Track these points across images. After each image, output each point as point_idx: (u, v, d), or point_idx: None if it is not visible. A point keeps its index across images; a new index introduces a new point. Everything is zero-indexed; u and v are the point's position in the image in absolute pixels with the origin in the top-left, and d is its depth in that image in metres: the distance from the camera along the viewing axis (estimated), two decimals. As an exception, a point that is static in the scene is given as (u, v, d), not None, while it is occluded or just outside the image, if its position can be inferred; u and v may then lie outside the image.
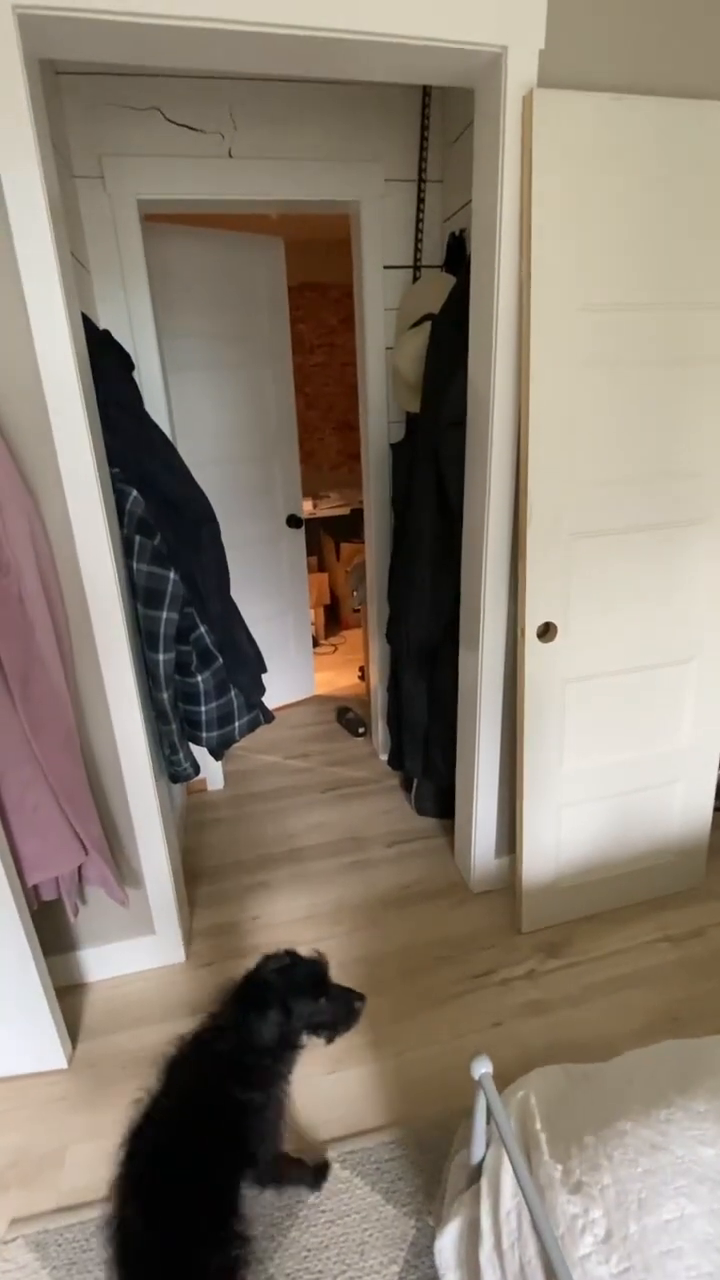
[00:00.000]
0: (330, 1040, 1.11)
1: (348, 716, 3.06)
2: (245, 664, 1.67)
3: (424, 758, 2.26)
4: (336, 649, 4.02)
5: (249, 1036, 1.03)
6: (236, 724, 1.71)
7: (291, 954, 1.12)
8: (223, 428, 2.67)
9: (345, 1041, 1.56)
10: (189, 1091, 1.03)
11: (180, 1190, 0.93)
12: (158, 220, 2.31)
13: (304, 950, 1.14)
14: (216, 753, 1.76)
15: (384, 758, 2.74)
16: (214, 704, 1.67)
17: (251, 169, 1.87)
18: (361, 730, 2.98)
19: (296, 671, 3.26)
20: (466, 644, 1.83)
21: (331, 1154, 1.36)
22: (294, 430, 2.87)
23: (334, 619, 4.28)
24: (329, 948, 1.86)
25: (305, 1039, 1.11)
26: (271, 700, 3.22)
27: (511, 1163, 0.78)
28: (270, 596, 3.02)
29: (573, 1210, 0.78)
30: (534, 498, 1.49)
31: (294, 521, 2.96)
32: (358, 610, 4.04)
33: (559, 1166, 0.83)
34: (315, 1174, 1.32)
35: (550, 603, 1.59)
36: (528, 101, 1.26)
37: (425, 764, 2.27)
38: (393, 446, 2.08)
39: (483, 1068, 0.87)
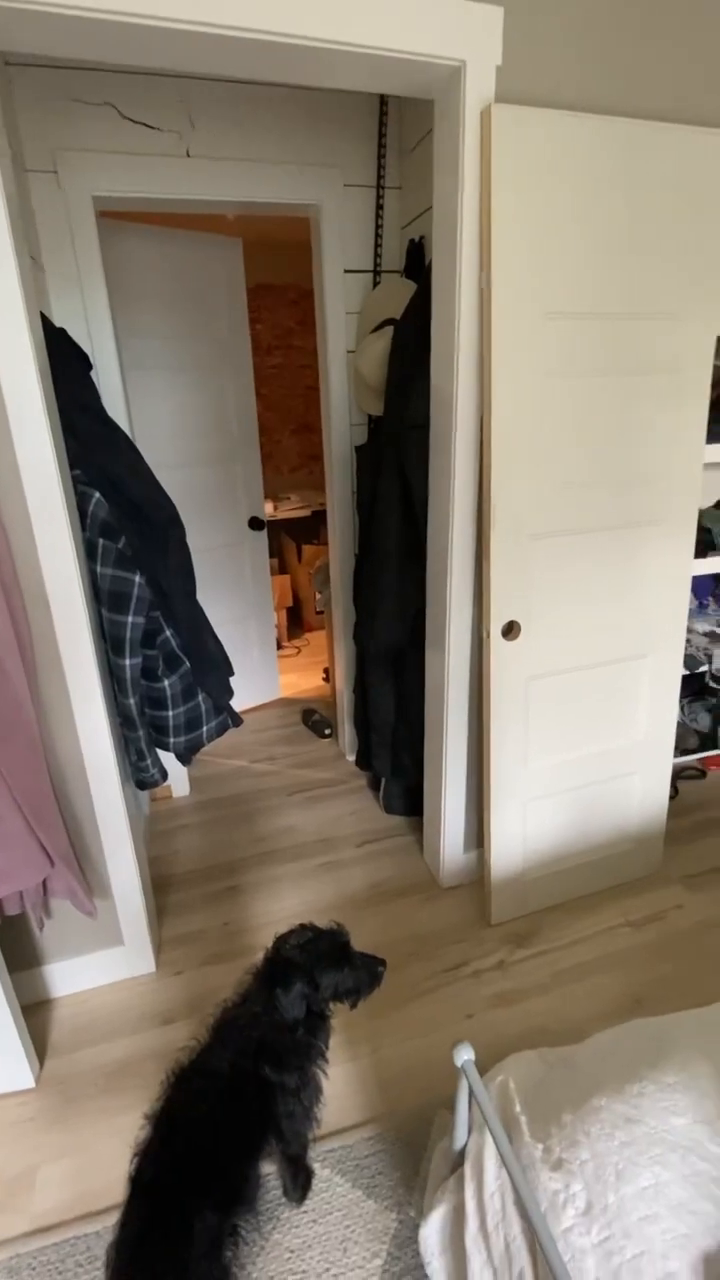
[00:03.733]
0: (354, 1005, 1.15)
1: (314, 718, 3.06)
2: (212, 667, 1.66)
3: (392, 757, 2.29)
4: (300, 651, 4.02)
5: (277, 1015, 1.06)
6: (204, 728, 1.70)
7: (311, 927, 1.16)
8: (183, 429, 2.63)
9: (336, 1037, 1.56)
10: (220, 1079, 1.04)
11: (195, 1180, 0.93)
12: (114, 218, 2.27)
13: (321, 923, 1.18)
14: (184, 758, 1.74)
15: (351, 758, 2.76)
16: (181, 708, 1.65)
17: (209, 169, 1.87)
18: (328, 732, 2.99)
19: (260, 674, 3.25)
20: (433, 644, 1.86)
21: (312, 1154, 1.36)
22: (254, 432, 2.86)
23: (297, 621, 4.28)
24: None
25: (332, 1008, 1.15)
26: (236, 704, 3.18)
27: (496, 1143, 0.81)
28: (233, 599, 3.00)
29: (554, 1186, 0.81)
30: (497, 500, 1.53)
31: (256, 524, 2.95)
32: (321, 612, 4.04)
33: (540, 1146, 0.86)
34: (302, 1184, 1.32)
35: (513, 602, 1.63)
36: (486, 116, 1.30)
37: (393, 763, 2.30)
38: (357, 449, 2.10)
39: (465, 1054, 0.89)
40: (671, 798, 2.41)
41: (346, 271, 2.10)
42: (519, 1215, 0.81)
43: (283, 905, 2.02)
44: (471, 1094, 0.90)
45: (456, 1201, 0.90)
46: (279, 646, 3.99)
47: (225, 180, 1.89)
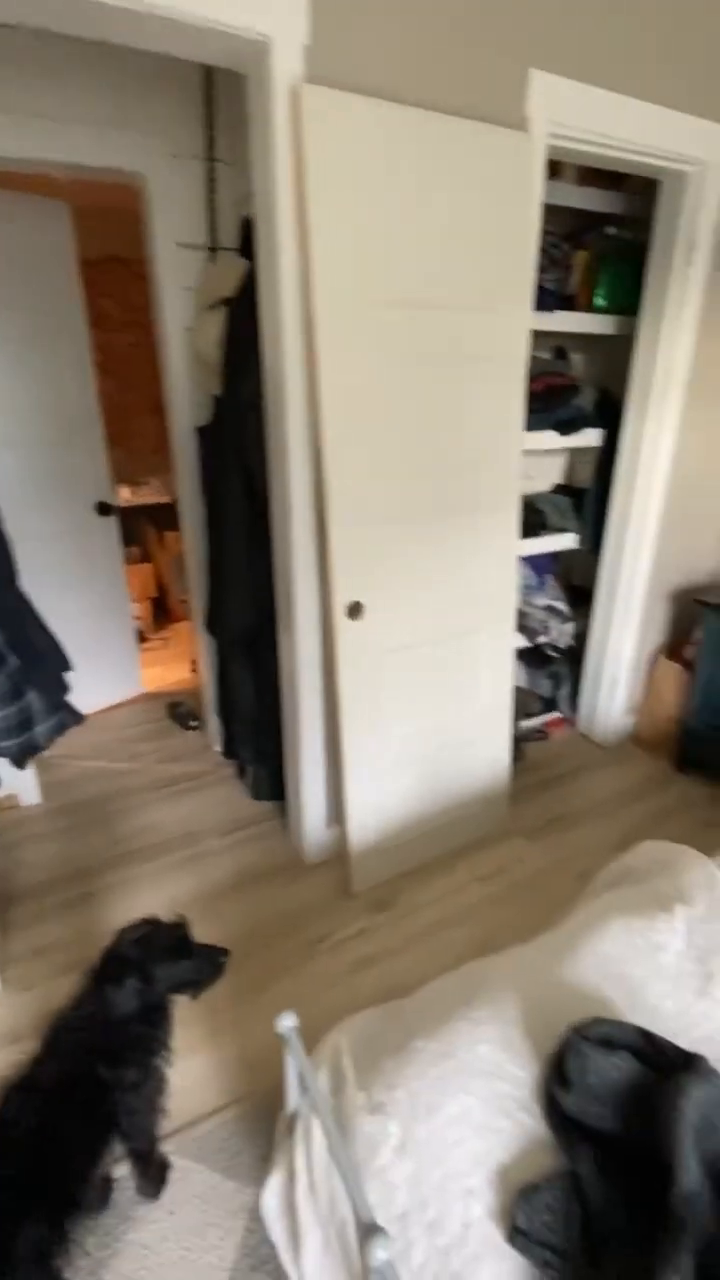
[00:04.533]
0: (195, 996, 1.15)
1: (179, 710, 2.98)
2: (42, 662, 1.56)
3: (256, 743, 2.28)
4: (167, 642, 3.87)
5: (110, 1010, 1.03)
6: (38, 729, 1.59)
7: (151, 921, 1.14)
8: (11, 407, 2.42)
9: (181, 1037, 1.54)
10: (47, 1087, 0.99)
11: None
12: None
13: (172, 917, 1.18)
14: (19, 761, 1.62)
15: (218, 749, 2.71)
16: (10, 709, 1.53)
17: (11, 124, 1.71)
18: (194, 723, 2.92)
19: (120, 669, 3.10)
20: (283, 627, 1.87)
21: (169, 1147, 1.35)
22: (96, 411, 2.69)
23: (163, 612, 4.11)
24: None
25: (172, 1000, 1.13)
26: (94, 701, 3.02)
27: (310, 1096, 0.84)
28: (85, 590, 2.82)
29: (371, 1129, 0.86)
30: (332, 483, 1.56)
31: (104, 509, 2.79)
32: (185, 601, 3.91)
33: (362, 1093, 0.91)
34: (155, 1179, 1.30)
35: (356, 583, 1.68)
36: (296, 96, 1.30)
37: (257, 749, 2.29)
38: (198, 430, 2.04)
39: (287, 1022, 0.92)
40: (517, 759, 2.62)
41: (180, 245, 2.02)
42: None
43: (142, 905, 1.96)
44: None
45: (290, 1164, 0.93)
46: (143, 639, 3.83)
47: (33, 138, 1.74)
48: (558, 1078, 0.83)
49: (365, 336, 1.49)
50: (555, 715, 2.89)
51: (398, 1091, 0.89)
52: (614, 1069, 0.79)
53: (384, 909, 1.95)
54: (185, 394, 2.15)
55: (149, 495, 4.15)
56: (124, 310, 4.42)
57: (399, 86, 1.43)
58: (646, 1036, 0.85)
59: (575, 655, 2.86)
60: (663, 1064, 0.81)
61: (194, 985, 1.14)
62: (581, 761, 2.66)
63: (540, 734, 2.80)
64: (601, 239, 2.35)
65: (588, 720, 2.79)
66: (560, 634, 2.73)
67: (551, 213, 2.35)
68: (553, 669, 3.00)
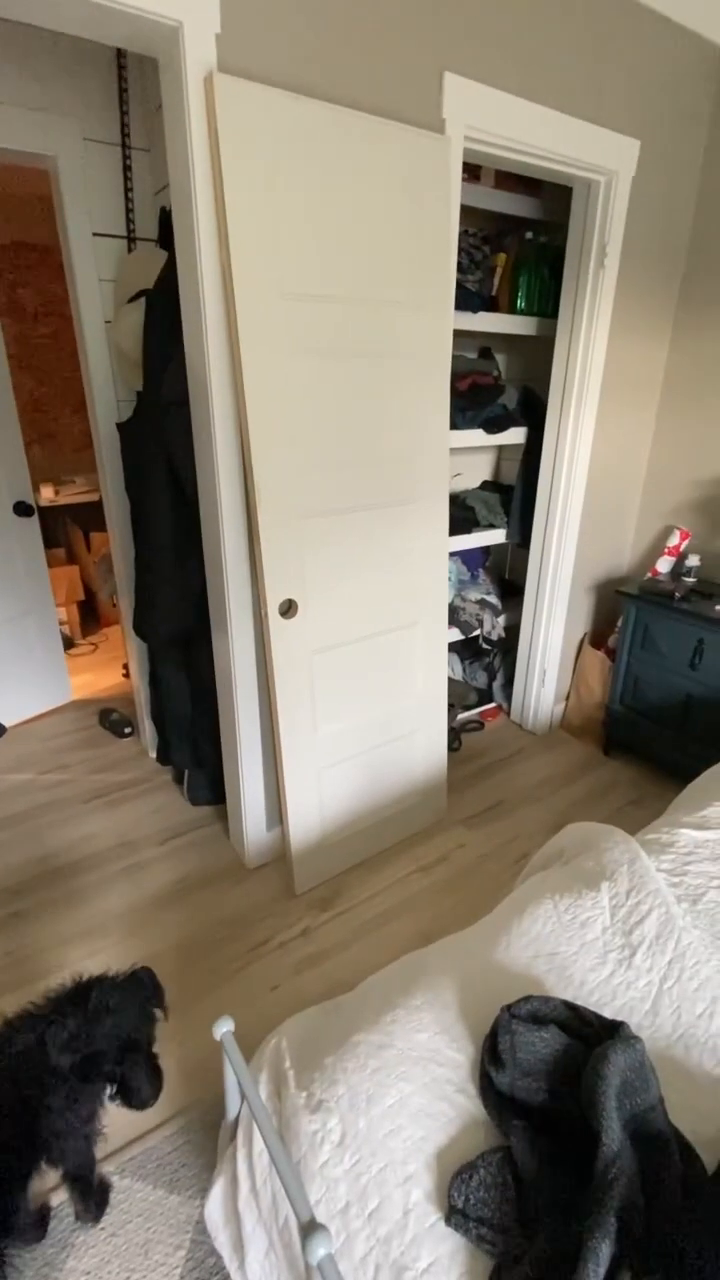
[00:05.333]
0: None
1: (112, 718, 2.88)
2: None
3: (192, 747, 2.23)
4: (97, 648, 3.73)
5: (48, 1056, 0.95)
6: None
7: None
8: None
9: None
10: None
11: None
12: None
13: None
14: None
15: (153, 755, 2.64)
16: None
17: None
18: (128, 730, 2.83)
19: (46, 677, 2.96)
20: (216, 627, 1.84)
21: (110, 1167, 1.31)
22: (11, 405, 2.56)
23: (91, 615, 3.96)
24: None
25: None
26: (19, 712, 2.88)
27: (247, 1099, 0.83)
28: (4, 595, 2.69)
29: (313, 1128, 0.86)
30: (260, 480, 1.54)
31: (23, 509, 2.65)
32: (116, 604, 3.78)
33: (303, 1093, 0.91)
34: (95, 1202, 1.25)
35: (289, 580, 1.67)
36: (209, 84, 1.27)
37: (194, 753, 2.24)
38: (119, 426, 1.97)
39: (224, 1027, 0.91)
40: (455, 750, 2.68)
41: (96, 235, 1.94)
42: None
43: (77, 921, 1.89)
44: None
45: (232, 1170, 0.92)
46: (71, 644, 3.68)
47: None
48: (491, 1057, 0.85)
49: (288, 330, 1.48)
50: (491, 705, 2.96)
51: (338, 1087, 0.89)
52: (542, 1043, 0.82)
53: (328, 907, 1.95)
54: (107, 389, 2.08)
55: (74, 494, 3.98)
56: (42, 301, 4.22)
57: (315, 82, 1.42)
58: (573, 1009, 0.89)
59: (508, 647, 2.95)
60: (588, 1034, 0.85)
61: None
62: (516, 749, 2.75)
63: (477, 724, 2.87)
64: (521, 243, 2.42)
65: (521, 709, 2.88)
66: (493, 627, 2.81)
67: (471, 215, 2.42)
68: (487, 661, 3.08)
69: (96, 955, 1.78)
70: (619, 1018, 0.95)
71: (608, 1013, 0.96)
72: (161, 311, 1.66)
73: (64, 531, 4.12)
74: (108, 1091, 1.05)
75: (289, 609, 1.69)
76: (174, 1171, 1.31)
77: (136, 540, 1.99)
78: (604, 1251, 0.62)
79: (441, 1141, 0.83)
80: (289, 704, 1.77)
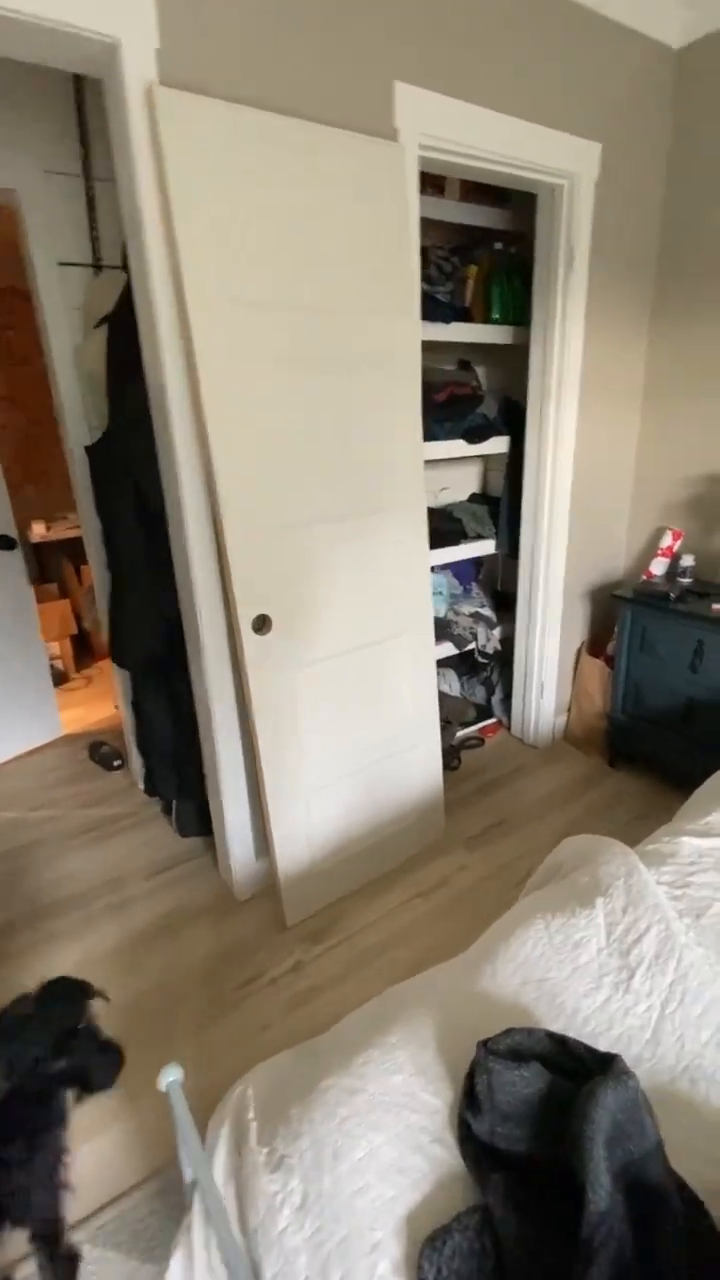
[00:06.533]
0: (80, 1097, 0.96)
1: (102, 751, 2.81)
2: None
3: (177, 776, 2.16)
4: (91, 681, 3.69)
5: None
6: None
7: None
8: None
9: (95, 1108, 1.39)
10: None
11: None
12: None
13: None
14: None
15: (143, 787, 2.56)
16: None
17: None
18: (118, 763, 2.75)
19: (36, 713, 2.91)
20: (191, 648, 1.78)
21: (81, 1236, 1.20)
22: (-9, 442, 2.56)
23: (85, 650, 3.92)
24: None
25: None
26: (7, 750, 2.82)
27: (190, 1164, 0.74)
28: (-10, 631, 2.65)
29: (272, 1189, 0.76)
30: (224, 493, 1.50)
31: (6, 543, 2.64)
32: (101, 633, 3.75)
33: (264, 1150, 0.81)
34: (64, 1273, 1.14)
35: (261, 596, 1.61)
36: (150, 98, 1.27)
37: (180, 783, 2.17)
38: (88, 449, 1.95)
39: (170, 1076, 0.82)
40: (454, 768, 2.58)
41: (62, 264, 1.95)
42: (240, 1234, 0.75)
43: (55, 964, 1.79)
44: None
45: (188, 1242, 0.82)
46: (65, 679, 3.65)
47: None
48: (468, 1101, 0.76)
49: (244, 338, 1.45)
50: (491, 721, 2.87)
51: (302, 1140, 0.80)
52: (523, 1082, 0.73)
53: (321, 939, 1.85)
54: (77, 416, 2.07)
55: (66, 530, 3.99)
56: (31, 343, 4.29)
57: (262, 93, 1.42)
58: (559, 1042, 0.79)
59: (506, 660, 2.87)
60: (578, 1070, 0.75)
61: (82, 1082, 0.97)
62: (517, 765, 2.64)
63: (477, 740, 2.77)
64: (491, 254, 2.42)
65: (521, 723, 2.78)
66: (489, 640, 2.73)
67: (439, 228, 2.42)
68: (485, 675, 2.99)
69: (77, 1000, 1.68)
70: (616, 1049, 0.85)
71: (603, 1043, 0.86)
72: (122, 331, 1.65)
73: (57, 567, 4.12)
74: (68, 1103, 0.96)
75: (263, 625, 1.63)
76: (150, 1239, 1.20)
77: (109, 564, 1.95)
78: (589, 1336, 0.52)
79: (414, 1201, 0.73)
80: (269, 724, 1.69)
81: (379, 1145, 0.77)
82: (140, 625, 1.84)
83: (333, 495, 1.67)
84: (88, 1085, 0.96)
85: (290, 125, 1.42)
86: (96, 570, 2.27)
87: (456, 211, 2.30)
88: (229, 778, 1.85)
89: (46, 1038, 0.92)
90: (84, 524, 2.23)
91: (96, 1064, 0.95)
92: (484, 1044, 0.78)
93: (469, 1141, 0.74)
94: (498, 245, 2.42)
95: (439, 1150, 0.77)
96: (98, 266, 2.00)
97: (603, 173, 2.03)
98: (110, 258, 2.01)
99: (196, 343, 1.39)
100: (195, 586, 1.63)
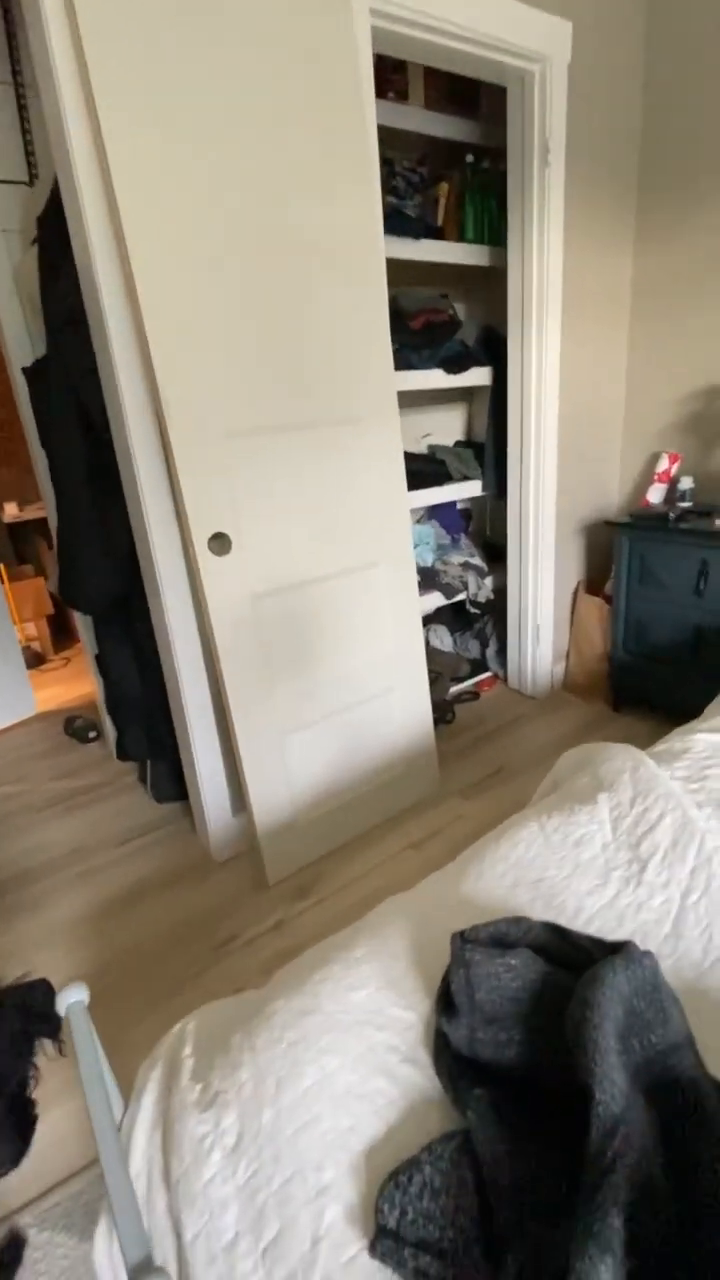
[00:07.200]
0: None
1: (76, 724, 2.66)
2: None
3: (147, 733, 2.00)
4: (70, 661, 3.54)
5: None
6: None
7: None
8: None
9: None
10: None
11: None
12: None
13: None
14: None
15: (114, 753, 2.40)
16: None
17: None
18: (93, 735, 2.60)
19: (7, 691, 2.76)
20: (147, 577, 1.62)
21: (27, 1219, 1.05)
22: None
23: (62, 630, 3.78)
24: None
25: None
26: (-23, 725, 2.67)
27: (90, 1101, 0.58)
28: (-50, 601, 2.50)
29: (202, 1130, 0.60)
30: (168, 395, 1.35)
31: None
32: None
33: (197, 1086, 0.65)
34: (5, 1262, 0.99)
35: (217, 511, 1.46)
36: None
37: (150, 740, 2.01)
38: (24, 371, 1.80)
39: (72, 996, 0.66)
40: (449, 722, 2.42)
41: (-4, 182, 1.80)
42: (164, 1190, 0.59)
43: (18, 937, 1.64)
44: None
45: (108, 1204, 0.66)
46: (42, 660, 3.51)
47: None
48: (443, 1005, 0.60)
49: (180, 221, 1.30)
50: (487, 675, 2.71)
51: (241, 1071, 0.64)
52: (509, 973, 0.57)
53: (305, 895, 1.69)
54: (24, 344, 1.92)
55: (38, 510, 3.84)
56: None
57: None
58: (556, 930, 0.63)
59: (500, 613, 2.70)
60: (578, 959, 0.59)
61: None
62: (515, 715, 2.48)
63: (472, 695, 2.61)
64: (463, 170, 2.27)
65: (518, 674, 2.62)
66: (480, 588, 2.57)
67: (405, 140, 2.27)
68: (478, 628, 2.83)
69: (38, 970, 1.53)
70: (628, 948, 0.68)
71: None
72: (51, 228, 1.50)
73: (33, 548, 3.98)
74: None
75: (221, 544, 1.48)
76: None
77: (57, 494, 1.79)
78: (602, 1275, 0.36)
79: (376, 1132, 0.57)
80: (234, 657, 1.54)
81: (334, 1070, 0.61)
82: (91, 558, 1.68)
83: (294, 401, 1.52)
84: None
85: (219, -31, 1.26)
86: (50, 515, 2.11)
87: (423, 120, 2.15)
88: (198, 723, 1.69)
89: None
90: (34, 457, 2.08)
91: None
92: (460, 934, 0.62)
93: (445, 1055, 0.58)
94: (469, 158, 2.26)
95: (409, 1071, 0.61)
96: (34, 181, 1.85)
97: (575, 55, 1.88)
98: (47, 174, 1.86)
99: (126, 225, 1.24)
100: (144, 504, 1.48)
